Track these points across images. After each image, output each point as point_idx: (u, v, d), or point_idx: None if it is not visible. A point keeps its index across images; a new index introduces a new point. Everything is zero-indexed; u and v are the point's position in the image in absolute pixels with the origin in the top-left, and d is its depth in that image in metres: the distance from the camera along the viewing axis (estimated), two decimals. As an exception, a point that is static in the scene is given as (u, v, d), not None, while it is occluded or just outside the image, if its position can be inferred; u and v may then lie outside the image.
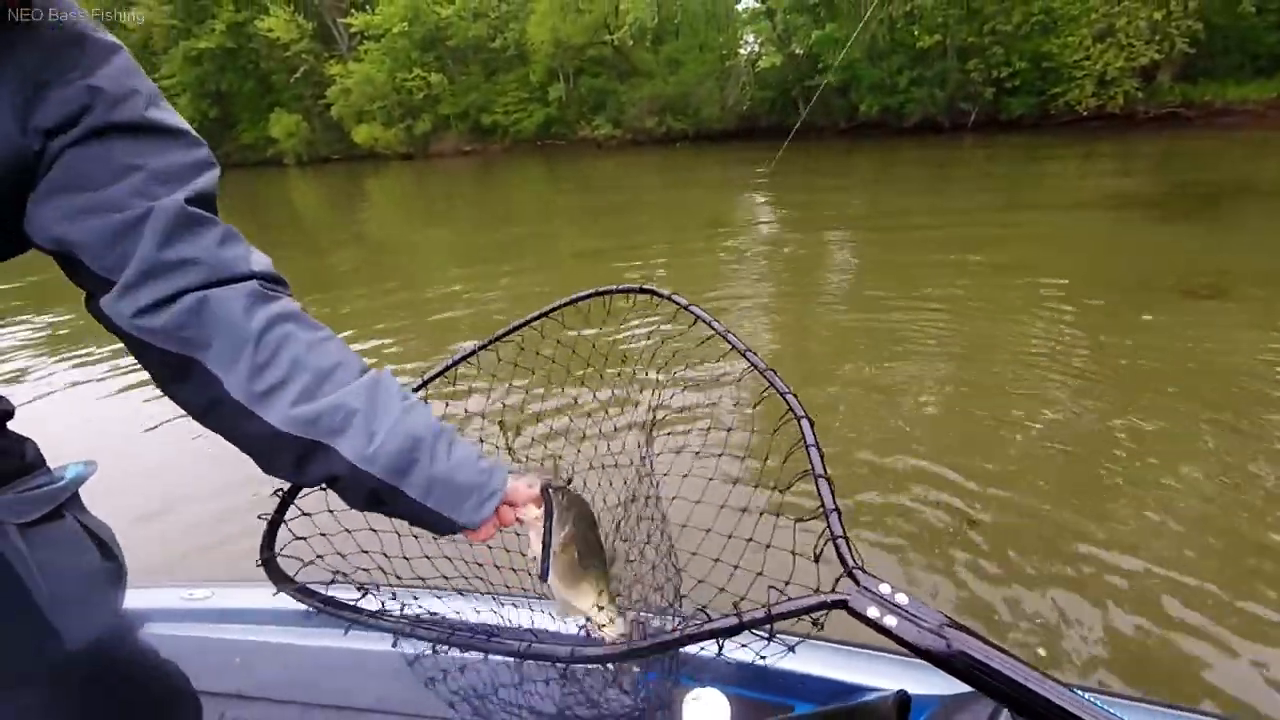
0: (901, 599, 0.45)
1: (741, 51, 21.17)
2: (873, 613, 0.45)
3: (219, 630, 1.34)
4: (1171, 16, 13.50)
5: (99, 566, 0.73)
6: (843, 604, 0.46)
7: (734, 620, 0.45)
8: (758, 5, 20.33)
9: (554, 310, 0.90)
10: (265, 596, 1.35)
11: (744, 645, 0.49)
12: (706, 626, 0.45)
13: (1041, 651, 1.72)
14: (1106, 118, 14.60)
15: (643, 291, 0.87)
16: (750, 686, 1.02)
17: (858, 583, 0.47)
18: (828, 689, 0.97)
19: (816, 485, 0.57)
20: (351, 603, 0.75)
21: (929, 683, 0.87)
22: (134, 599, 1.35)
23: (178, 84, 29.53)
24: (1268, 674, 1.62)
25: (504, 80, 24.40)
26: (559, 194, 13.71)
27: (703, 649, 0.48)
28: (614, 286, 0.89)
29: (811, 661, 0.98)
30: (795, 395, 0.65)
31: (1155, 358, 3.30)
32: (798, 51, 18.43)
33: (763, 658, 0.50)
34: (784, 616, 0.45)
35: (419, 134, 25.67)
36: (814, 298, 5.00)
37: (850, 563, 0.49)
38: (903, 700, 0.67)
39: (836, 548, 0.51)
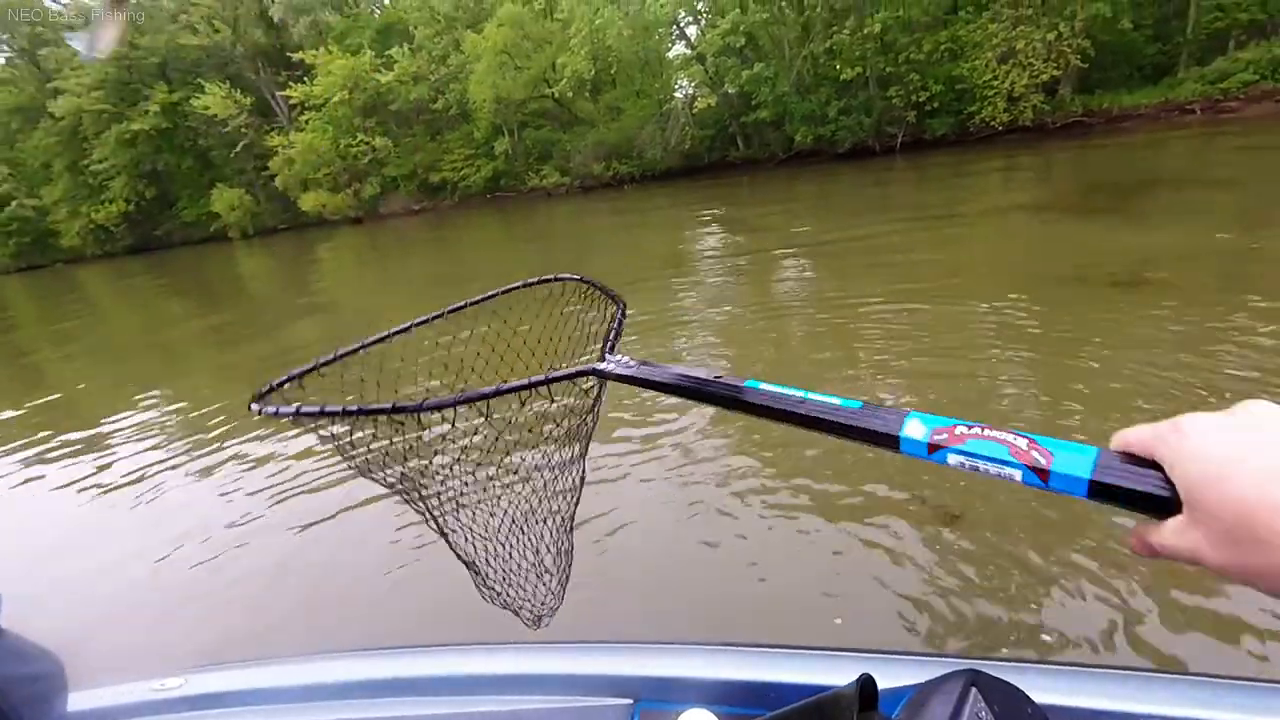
0: (626, 359, 0.61)
1: (678, 95, 22.12)
2: (608, 367, 0.61)
3: (195, 719, 1.27)
4: (1062, 37, 14.83)
5: (50, 670, 0.79)
6: (592, 370, 0.61)
7: (524, 381, 0.56)
8: (688, 52, 21.39)
9: (444, 315, 0.83)
10: (241, 678, 1.29)
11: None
12: (503, 386, 0.56)
13: (1047, 638, 1.75)
14: (1020, 130, 15.76)
15: (543, 281, 0.90)
16: (738, 703, 1.03)
17: (603, 358, 0.64)
18: (811, 695, 0.99)
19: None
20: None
21: (903, 674, 0.89)
22: (102, 697, 1.27)
23: (111, 167, 28.90)
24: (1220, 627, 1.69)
25: (449, 138, 24.77)
26: (514, 243, 13.84)
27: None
28: (518, 283, 0.89)
29: (794, 671, 1.01)
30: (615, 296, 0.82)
31: (1085, 337, 3.51)
32: (730, 91, 19.39)
33: None
34: (558, 379, 0.58)
35: (367, 197, 25.67)
36: (776, 304, 5.16)
37: (607, 347, 0.69)
38: (865, 685, 0.70)
39: (607, 339, 0.71)
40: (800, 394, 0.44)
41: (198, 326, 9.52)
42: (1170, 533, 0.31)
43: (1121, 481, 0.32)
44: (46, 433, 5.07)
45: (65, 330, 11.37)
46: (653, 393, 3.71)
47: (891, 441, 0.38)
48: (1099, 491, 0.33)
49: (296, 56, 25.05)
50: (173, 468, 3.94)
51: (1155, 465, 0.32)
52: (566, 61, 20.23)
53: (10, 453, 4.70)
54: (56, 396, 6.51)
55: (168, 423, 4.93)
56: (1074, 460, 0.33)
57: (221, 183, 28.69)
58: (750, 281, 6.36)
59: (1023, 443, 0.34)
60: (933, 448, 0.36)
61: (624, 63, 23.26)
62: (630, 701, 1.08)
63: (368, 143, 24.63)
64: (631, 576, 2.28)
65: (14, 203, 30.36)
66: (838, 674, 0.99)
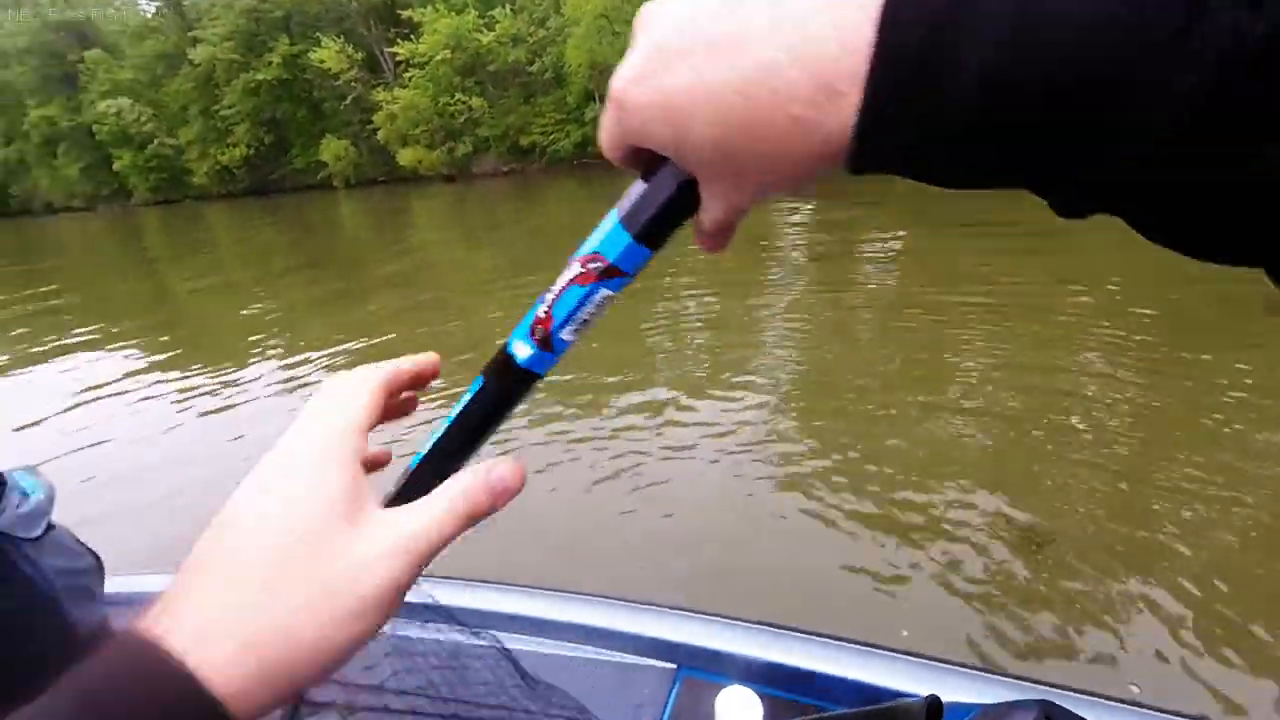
0: None
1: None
2: None
3: None
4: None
5: (91, 564, 0.90)
6: None
7: None
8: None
9: None
10: (418, 589, 1.41)
11: None
12: None
13: (1135, 689, 1.66)
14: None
15: None
16: (781, 686, 1.04)
17: None
18: (858, 691, 0.98)
19: None
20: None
21: (963, 690, 0.86)
22: (129, 584, 1.42)
23: (237, 113, 31.29)
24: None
25: (541, 102, 24.99)
26: (596, 211, 13.91)
27: None
28: None
29: (843, 664, 1.00)
30: None
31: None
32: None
33: None
34: None
35: (460, 156, 26.48)
36: (853, 309, 4.93)
37: None
38: (933, 705, 0.67)
39: None
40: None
41: (303, 277, 10.26)
42: (705, 209, 0.27)
43: (649, 210, 0.29)
44: (163, 355, 5.72)
45: (192, 264, 12.62)
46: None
47: (521, 374, 0.32)
48: (648, 235, 0.30)
49: (405, 14, 25.86)
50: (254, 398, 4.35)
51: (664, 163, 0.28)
52: (665, 29, 19.77)
53: (126, 367, 5.37)
54: (178, 327, 7.27)
55: (269, 357, 5.41)
56: (614, 236, 0.31)
57: (330, 133, 30.41)
58: (826, 285, 6.10)
59: (577, 267, 0.31)
60: (543, 345, 0.32)
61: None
62: (674, 667, 1.11)
63: (465, 102, 25.27)
64: (704, 544, 2.33)
65: (155, 141, 33.49)
66: (892, 675, 0.96)
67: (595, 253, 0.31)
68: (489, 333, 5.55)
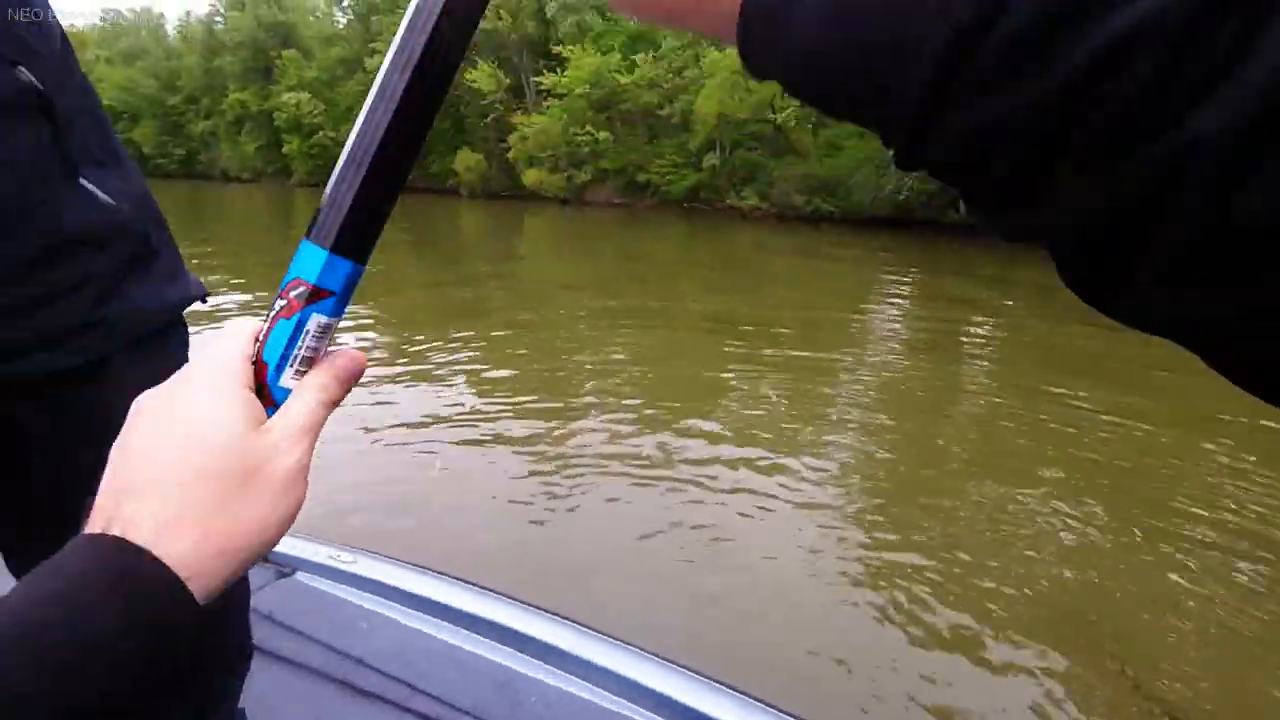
0: None
1: (905, 142, 20.67)
2: None
3: (353, 594, 1.43)
4: None
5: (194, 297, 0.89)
6: None
7: None
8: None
9: None
10: (410, 578, 1.43)
11: None
12: None
13: None
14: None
15: None
16: None
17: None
18: None
19: None
20: None
21: None
22: (287, 547, 1.46)
23: (392, 117, 34.74)
24: None
25: (664, 144, 25.84)
26: (694, 260, 13.99)
27: None
28: None
29: None
30: None
31: None
32: (968, 149, 17.70)
33: None
34: None
35: (578, 183, 27.78)
36: (932, 439, 4.43)
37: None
38: None
39: None
40: None
41: (418, 264, 10.94)
42: None
43: (335, 217, 0.30)
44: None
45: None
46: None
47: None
48: (343, 245, 0.30)
49: (556, 50, 27.85)
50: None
51: None
52: (798, 91, 19.99)
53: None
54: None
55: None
56: (309, 255, 0.30)
57: (467, 146, 32.93)
58: (925, 361, 5.67)
59: (279, 301, 0.30)
60: (261, 398, 0.31)
61: (857, 101, 22.41)
62: None
63: (593, 134, 26.59)
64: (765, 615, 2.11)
65: (320, 133, 37.75)
66: None
67: (295, 278, 0.30)
68: (556, 333, 5.65)
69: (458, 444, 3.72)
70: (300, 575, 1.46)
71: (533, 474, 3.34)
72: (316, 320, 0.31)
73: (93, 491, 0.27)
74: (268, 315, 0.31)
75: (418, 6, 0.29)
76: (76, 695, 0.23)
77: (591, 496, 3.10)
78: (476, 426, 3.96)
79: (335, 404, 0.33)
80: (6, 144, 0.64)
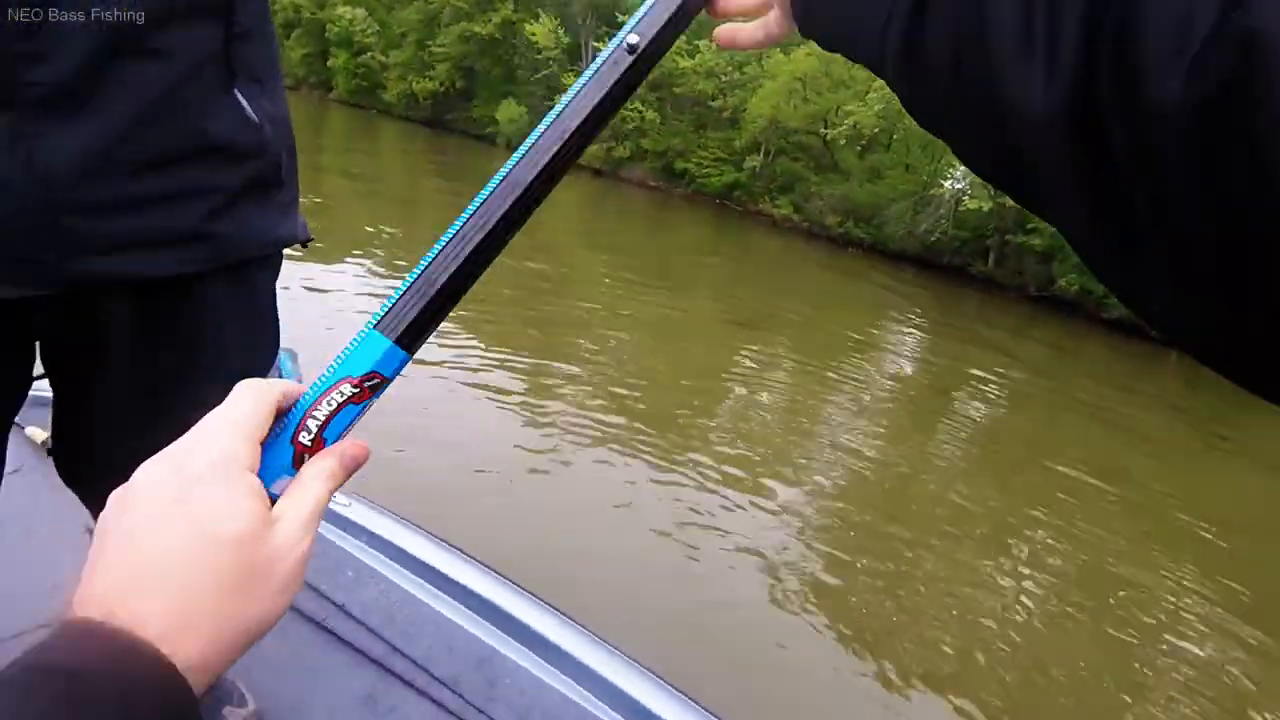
0: None
1: (946, 184, 20.57)
2: None
3: (344, 539, 1.39)
4: None
5: None
6: None
7: None
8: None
9: None
10: (402, 534, 1.40)
11: None
12: None
13: None
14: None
15: None
16: None
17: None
18: None
19: None
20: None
21: None
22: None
23: (445, 53, 34.15)
24: None
25: (709, 136, 25.52)
26: (719, 245, 13.89)
27: None
28: None
29: None
30: None
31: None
32: (1006, 203, 17.54)
33: None
34: None
35: (616, 157, 27.44)
36: (930, 462, 4.48)
37: None
38: None
39: None
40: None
41: (442, 204, 10.81)
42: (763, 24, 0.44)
43: (411, 314, 0.32)
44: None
45: (358, 163, 13.65)
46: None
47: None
48: (410, 340, 0.33)
49: (622, 19, 27.32)
50: None
51: None
52: (854, 111, 19.72)
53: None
54: (318, 216, 7.80)
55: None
56: (388, 351, 0.33)
57: (512, 97, 32.46)
58: (915, 420, 5.63)
59: (348, 388, 0.32)
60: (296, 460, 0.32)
61: (910, 133, 22.16)
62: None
63: (640, 112, 26.23)
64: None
65: (369, 54, 37.14)
66: None
67: (372, 371, 0.32)
68: (570, 290, 5.60)
69: (453, 385, 3.75)
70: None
71: (521, 422, 3.35)
72: (372, 404, 0.33)
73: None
74: (321, 389, 0.32)
75: (526, 159, 0.34)
76: None
77: (564, 457, 3.13)
78: (471, 371, 3.98)
79: (336, 489, 0.33)
80: (179, 36, 0.64)
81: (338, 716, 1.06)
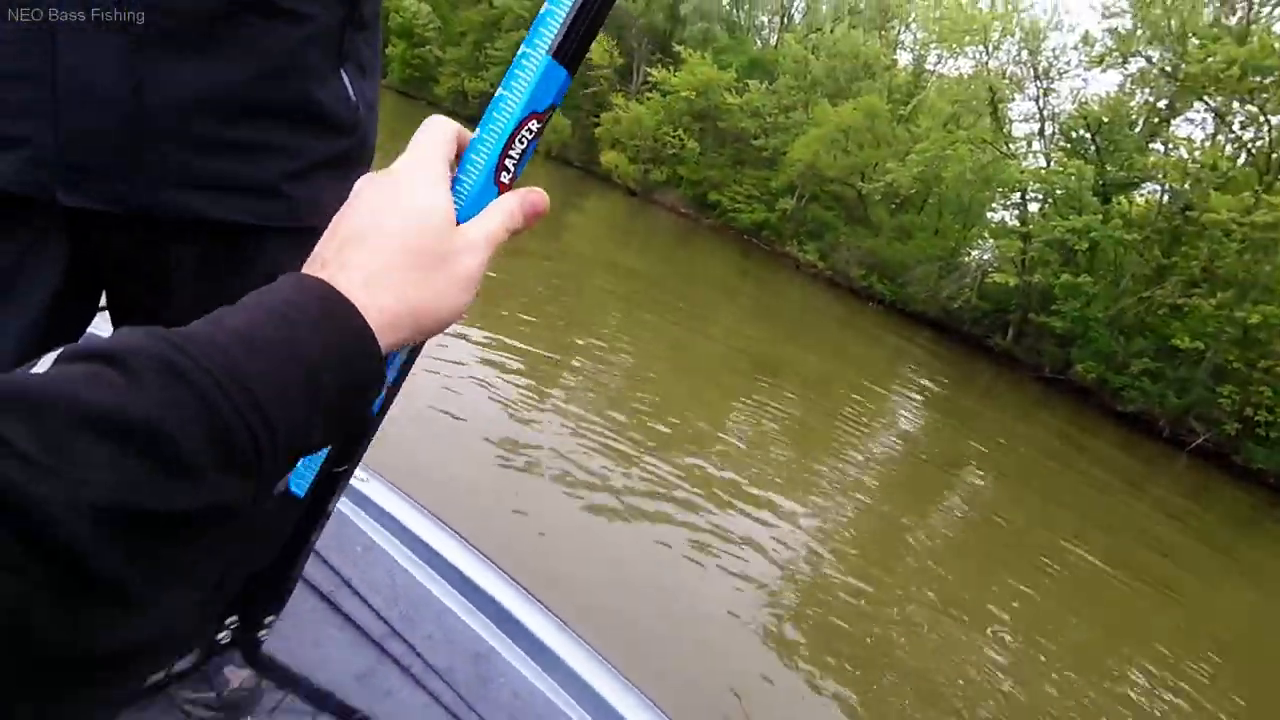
0: None
1: (974, 254, 20.66)
2: None
3: (357, 514, 1.37)
4: None
5: None
6: None
7: None
8: (1014, 222, 19.87)
9: None
10: (415, 518, 1.40)
11: None
12: None
13: None
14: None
15: None
16: None
17: None
18: None
19: None
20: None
21: None
22: None
23: (500, 57, 34.96)
24: None
25: (746, 173, 25.84)
26: (739, 282, 13.91)
27: None
28: None
29: None
30: None
31: None
32: (1032, 281, 17.57)
33: None
34: None
35: (651, 180, 27.79)
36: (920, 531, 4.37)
37: None
38: None
39: None
40: None
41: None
42: None
43: (576, 32, 0.32)
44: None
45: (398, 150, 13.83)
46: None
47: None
48: (572, 59, 0.34)
49: (677, 48, 27.92)
50: None
51: None
52: (893, 169, 19.94)
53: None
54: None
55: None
56: (556, 75, 0.34)
57: (560, 108, 33.08)
58: (912, 483, 5.53)
59: (534, 123, 0.34)
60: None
61: (944, 199, 22.35)
62: None
63: (682, 139, 26.62)
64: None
65: (427, 47, 38.10)
66: None
67: (553, 103, 0.34)
68: (580, 303, 5.56)
69: (455, 380, 3.75)
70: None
71: (506, 437, 3.32)
72: (536, 131, 0.35)
73: None
74: (510, 126, 0.34)
75: None
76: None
77: (554, 475, 3.09)
78: (473, 367, 3.98)
79: (515, 233, 0.36)
80: (308, 4, 0.67)
81: (334, 692, 1.03)
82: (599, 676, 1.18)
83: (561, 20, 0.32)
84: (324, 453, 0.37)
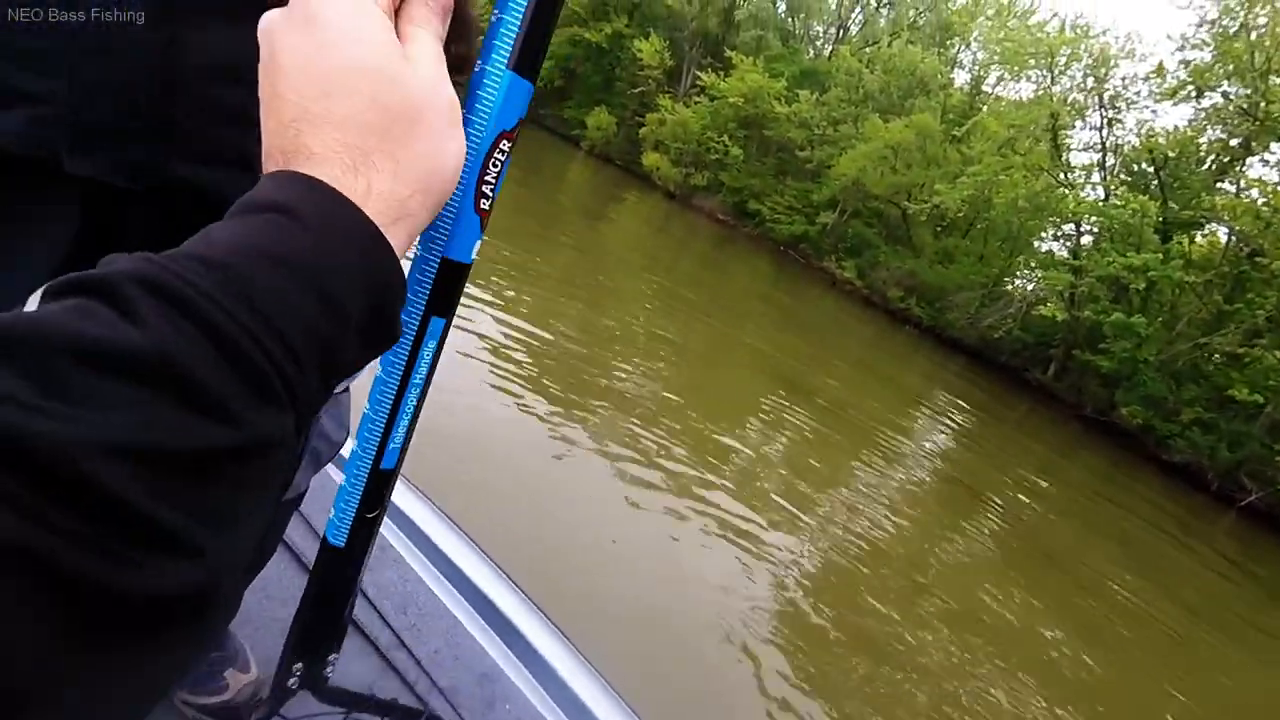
0: None
1: (1018, 283, 19.97)
2: None
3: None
4: None
5: (341, 441, 0.89)
6: None
7: None
8: (1063, 254, 19.13)
9: None
10: (432, 523, 1.35)
11: None
12: None
13: None
14: None
15: None
16: None
17: None
18: None
19: None
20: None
21: None
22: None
23: (551, 51, 35.21)
24: None
25: (789, 184, 25.47)
26: (774, 296, 13.63)
27: None
28: None
29: None
30: None
31: None
32: (1080, 316, 16.85)
33: None
34: None
35: (692, 184, 27.60)
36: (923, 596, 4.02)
37: None
38: None
39: None
40: None
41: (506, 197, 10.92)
42: None
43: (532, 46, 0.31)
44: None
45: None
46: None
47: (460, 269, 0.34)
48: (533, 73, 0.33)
49: (730, 54, 27.69)
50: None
51: None
52: (941, 191, 19.38)
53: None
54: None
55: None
56: (523, 91, 0.32)
57: (606, 106, 33.13)
58: (938, 511, 5.24)
59: (505, 143, 0.33)
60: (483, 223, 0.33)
61: (992, 225, 21.67)
62: None
63: (726, 145, 26.38)
64: None
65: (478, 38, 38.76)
66: None
67: (520, 118, 0.33)
68: (611, 300, 5.47)
69: (480, 377, 3.66)
70: (330, 469, 1.33)
71: (539, 418, 3.23)
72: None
73: None
74: (482, 152, 0.32)
75: None
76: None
77: (577, 460, 3.01)
78: (496, 367, 3.89)
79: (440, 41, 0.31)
80: None
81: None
82: (611, 712, 1.13)
83: (516, 30, 0.29)
84: (357, 500, 0.37)
